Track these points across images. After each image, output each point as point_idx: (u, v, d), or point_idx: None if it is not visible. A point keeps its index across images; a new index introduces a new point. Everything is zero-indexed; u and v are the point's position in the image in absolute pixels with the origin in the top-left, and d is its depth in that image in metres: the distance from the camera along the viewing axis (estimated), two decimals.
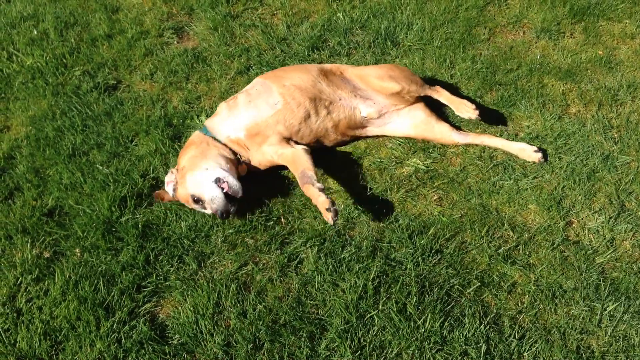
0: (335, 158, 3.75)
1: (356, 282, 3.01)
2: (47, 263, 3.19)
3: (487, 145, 3.74)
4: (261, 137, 3.46)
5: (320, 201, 3.05)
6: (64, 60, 4.59)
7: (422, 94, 3.84)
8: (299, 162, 3.34)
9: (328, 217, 2.99)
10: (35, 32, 4.87)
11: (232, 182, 3.25)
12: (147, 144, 3.86)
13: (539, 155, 3.60)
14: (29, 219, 3.40)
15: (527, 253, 3.16)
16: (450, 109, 3.85)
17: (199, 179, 3.26)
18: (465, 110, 3.70)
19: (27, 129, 4.03)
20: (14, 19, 5.10)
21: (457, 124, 3.89)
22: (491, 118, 3.92)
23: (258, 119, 3.46)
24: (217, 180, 3.24)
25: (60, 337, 2.87)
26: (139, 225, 3.32)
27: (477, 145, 3.73)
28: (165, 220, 3.40)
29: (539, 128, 3.84)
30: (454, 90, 4.07)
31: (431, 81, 4.08)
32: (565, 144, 3.71)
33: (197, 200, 3.28)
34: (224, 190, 3.22)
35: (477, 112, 3.66)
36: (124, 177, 3.62)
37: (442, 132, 3.75)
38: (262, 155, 3.50)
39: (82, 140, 3.91)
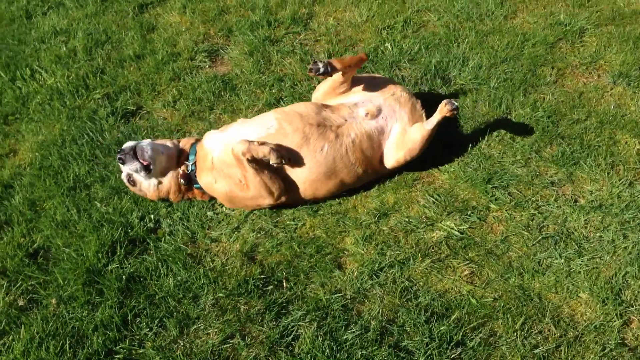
0: (356, 211, 3.34)
1: None
2: (18, 313, 2.94)
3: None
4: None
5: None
6: (87, 81, 4.40)
7: None
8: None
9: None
10: (64, 49, 4.70)
11: (146, 144, 3.31)
12: None
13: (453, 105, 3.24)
14: (11, 259, 3.19)
15: (569, 357, 2.63)
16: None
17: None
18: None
19: (33, 155, 3.84)
20: (45, 33, 4.98)
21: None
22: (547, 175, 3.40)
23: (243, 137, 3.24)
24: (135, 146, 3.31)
25: None
26: (123, 279, 3.03)
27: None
28: (155, 272, 3.08)
29: (604, 195, 3.30)
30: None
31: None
32: (634, 218, 3.14)
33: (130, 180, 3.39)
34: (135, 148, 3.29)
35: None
36: (120, 219, 3.33)
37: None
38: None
39: (87, 172, 3.68)
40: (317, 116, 3.28)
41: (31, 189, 3.61)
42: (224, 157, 3.24)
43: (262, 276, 3.03)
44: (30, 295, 3.04)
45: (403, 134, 3.36)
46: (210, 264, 3.14)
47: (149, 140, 3.42)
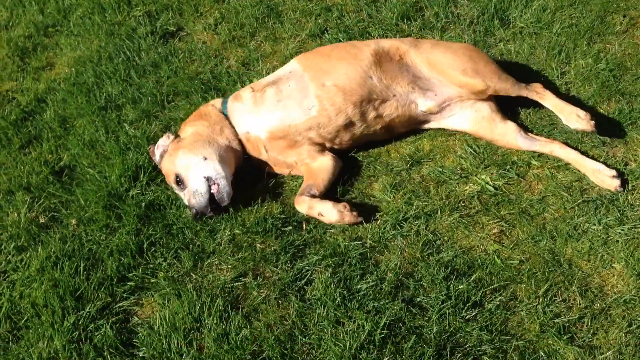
0: (389, 156, 3.18)
1: (363, 326, 2.49)
2: (38, 230, 2.97)
3: (556, 156, 3.07)
4: (287, 142, 3.00)
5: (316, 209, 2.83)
6: None
7: (514, 95, 3.15)
8: (315, 176, 2.85)
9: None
10: None
11: (224, 187, 2.90)
12: (185, 108, 3.49)
13: (617, 182, 2.88)
14: (37, 175, 3.20)
15: (592, 330, 2.47)
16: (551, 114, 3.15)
17: (191, 163, 2.91)
18: (576, 119, 2.99)
19: (69, 70, 3.80)
20: None
21: (528, 125, 3.17)
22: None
23: (286, 122, 3.02)
24: (209, 179, 2.83)
25: (21, 323, 2.64)
26: (143, 206, 2.99)
27: (545, 154, 3.09)
28: (175, 203, 3.04)
29: None
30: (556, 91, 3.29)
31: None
32: None
33: (179, 182, 2.95)
34: (211, 191, 2.86)
35: (592, 122, 2.98)
36: (147, 143, 3.28)
37: (505, 134, 3.13)
38: (284, 158, 3.02)
39: (120, 92, 3.63)
40: (361, 89, 3.04)
41: (64, 105, 3.59)
42: (272, 144, 3.09)
43: (282, 216, 2.95)
44: (52, 213, 3.06)
45: None
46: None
47: (213, 179, 2.93)
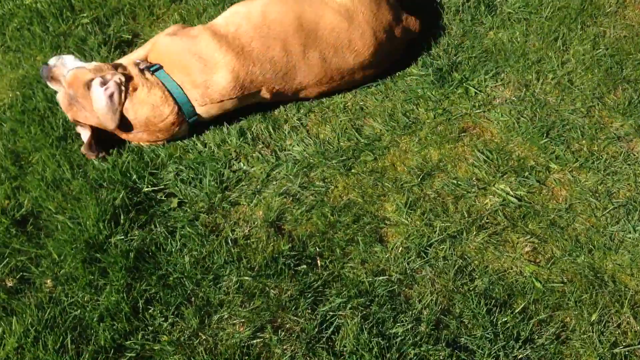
0: (395, 170, 2.88)
1: None
2: (7, 298, 2.49)
3: None
4: None
5: None
6: (72, 2, 3.74)
7: None
8: None
9: None
10: None
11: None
12: None
13: None
14: None
15: None
16: None
17: None
18: None
19: (14, 95, 3.26)
20: None
21: None
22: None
23: None
24: None
25: None
26: (131, 256, 2.56)
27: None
28: (167, 247, 2.62)
29: None
30: None
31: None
32: None
33: None
34: None
35: None
36: (122, 178, 2.83)
37: None
38: None
39: None
40: None
41: (14, 137, 3.07)
42: None
43: (293, 253, 2.59)
44: (21, 273, 2.58)
45: None
46: (231, 234, 2.68)
47: None
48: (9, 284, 2.54)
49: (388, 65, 3.28)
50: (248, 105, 3.10)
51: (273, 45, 2.94)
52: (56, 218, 2.72)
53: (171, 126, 2.92)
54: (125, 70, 2.91)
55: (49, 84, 3.01)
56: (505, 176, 2.83)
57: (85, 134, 2.92)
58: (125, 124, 2.89)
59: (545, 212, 2.69)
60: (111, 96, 2.79)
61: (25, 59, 3.45)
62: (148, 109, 2.87)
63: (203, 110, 2.97)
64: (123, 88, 2.82)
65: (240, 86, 2.92)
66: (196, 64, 2.90)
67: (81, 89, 2.83)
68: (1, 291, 2.51)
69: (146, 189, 2.83)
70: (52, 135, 3.03)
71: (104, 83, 2.80)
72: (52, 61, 2.99)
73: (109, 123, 2.83)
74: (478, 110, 3.10)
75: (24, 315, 2.41)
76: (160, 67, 2.95)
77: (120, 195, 2.76)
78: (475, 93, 3.18)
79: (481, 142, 2.97)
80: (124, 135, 2.95)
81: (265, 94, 3.02)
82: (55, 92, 3.02)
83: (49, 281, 2.54)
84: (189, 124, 2.98)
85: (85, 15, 3.63)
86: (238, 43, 2.93)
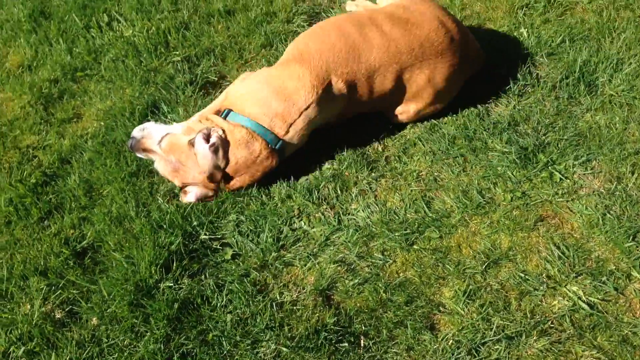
0: (460, 252, 2.73)
1: None
2: (52, 329, 2.55)
3: None
4: None
5: None
6: (168, 38, 3.88)
7: None
8: None
9: None
10: None
11: None
12: None
13: None
14: (56, 258, 2.78)
15: None
16: None
17: None
18: None
19: (98, 125, 3.38)
20: None
21: None
22: None
23: None
24: None
25: None
26: (175, 306, 2.55)
27: None
28: (212, 301, 2.60)
29: None
30: None
31: None
32: None
33: None
34: None
35: None
36: (182, 223, 2.85)
37: None
38: None
39: None
40: None
41: (90, 167, 3.18)
42: None
43: (337, 327, 2.50)
44: (71, 306, 2.64)
45: None
46: (278, 297, 2.63)
47: None
48: (58, 315, 2.60)
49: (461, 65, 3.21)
50: (337, 121, 3.20)
51: (328, 34, 3.06)
52: (113, 255, 2.77)
53: (265, 160, 2.94)
54: (212, 122, 2.95)
55: (139, 155, 3.07)
56: (579, 277, 2.61)
57: (195, 191, 2.98)
58: (226, 173, 2.96)
59: (619, 326, 2.45)
60: (216, 150, 2.84)
61: (115, 90, 3.58)
62: (243, 149, 2.90)
63: (290, 134, 2.97)
64: (224, 140, 2.89)
65: (310, 86, 2.93)
66: (269, 91, 2.96)
67: (183, 152, 2.90)
68: (49, 322, 2.57)
69: (203, 237, 2.84)
70: (125, 170, 3.11)
71: (207, 139, 2.85)
72: (137, 133, 3.04)
73: (218, 176, 2.89)
74: (561, 199, 2.89)
75: (64, 351, 2.46)
76: (230, 111, 2.98)
77: (177, 241, 2.78)
78: (561, 179, 2.97)
79: (559, 235, 2.77)
80: (227, 185, 3.00)
81: (338, 85, 2.99)
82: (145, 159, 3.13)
83: (94, 319, 2.58)
84: (278, 152, 2.98)
85: (177, 53, 3.75)
86: (296, 52, 3.06)
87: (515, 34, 3.68)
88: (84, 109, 3.53)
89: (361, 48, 3.01)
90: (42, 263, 2.76)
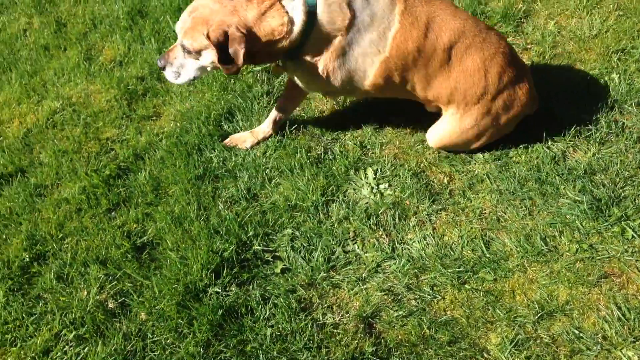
0: (513, 298, 2.64)
1: None
2: (103, 318, 2.67)
3: None
4: None
5: None
6: None
7: None
8: None
9: None
10: None
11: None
12: (288, 190, 3.11)
13: None
14: (117, 249, 2.92)
15: None
16: None
17: None
18: None
19: (174, 125, 3.52)
20: None
21: None
22: None
23: None
24: None
25: None
26: (220, 312, 2.62)
27: None
28: (256, 313, 2.65)
29: None
30: None
31: None
32: None
33: None
34: None
35: None
36: (238, 231, 2.92)
37: None
38: None
39: (221, 162, 3.29)
40: None
41: (161, 166, 3.31)
42: None
43: (375, 357, 2.49)
44: (123, 298, 2.76)
45: None
46: (321, 317, 2.65)
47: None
48: (110, 305, 2.73)
49: None
50: None
51: None
52: (169, 254, 2.87)
53: None
54: None
55: None
56: (637, 343, 2.48)
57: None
58: None
59: None
60: None
61: (195, 93, 3.72)
62: None
63: None
64: None
65: None
66: None
67: None
68: (101, 311, 2.69)
69: (257, 247, 2.90)
70: (192, 172, 3.22)
71: None
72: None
73: None
74: (630, 257, 2.76)
75: (111, 341, 2.58)
76: None
77: (231, 248, 2.85)
78: (633, 236, 2.84)
79: (621, 296, 2.64)
80: None
81: None
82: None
83: (143, 314, 2.68)
84: None
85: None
86: None
87: (605, 78, 3.54)
88: (163, 108, 3.68)
89: None
90: (103, 253, 2.91)
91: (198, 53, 2.80)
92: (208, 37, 2.68)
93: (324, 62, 2.85)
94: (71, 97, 3.81)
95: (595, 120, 3.32)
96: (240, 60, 2.69)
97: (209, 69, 2.91)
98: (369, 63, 2.87)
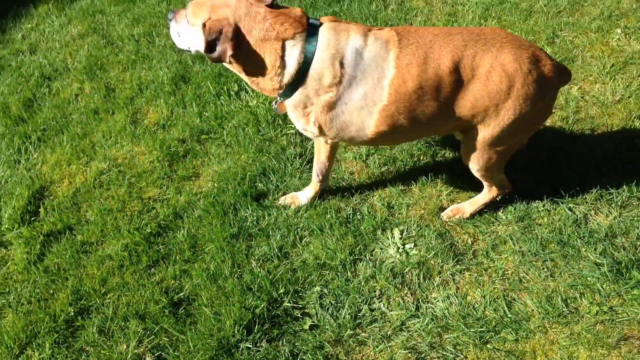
0: (534, 359, 2.74)
1: None
2: None
3: None
4: None
5: None
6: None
7: None
8: None
9: None
10: None
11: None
12: (318, 249, 3.28)
13: None
14: (155, 304, 3.11)
15: None
16: None
17: None
18: None
19: (212, 186, 3.75)
20: None
21: None
22: None
23: None
24: None
25: None
26: None
27: None
28: None
29: None
30: None
31: None
32: None
33: None
34: None
35: None
36: (269, 288, 3.09)
37: None
38: None
39: (255, 220, 3.48)
40: None
41: (198, 224, 3.52)
42: None
43: None
44: (160, 352, 2.93)
45: None
46: None
47: None
48: (148, 359, 2.90)
49: None
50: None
51: None
52: (204, 310, 3.05)
53: None
54: None
55: None
56: None
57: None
58: None
59: None
60: None
61: (232, 154, 3.95)
62: None
63: None
64: None
65: None
66: None
67: None
68: None
69: (287, 304, 3.05)
70: (228, 231, 3.42)
71: None
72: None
73: None
74: None
75: None
76: None
77: (262, 305, 3.01)
78: None
79: None
80: None
81: None
82: None
83: None
84: None
85: (292, 126, 4.06)
86: None
87: (627, 142, 3.65)
88: (202, 169, 3.92)
89: None
90: (142, 308, 3.10)
91: (192, 26, 2.82)
92: (204, 25, 2.72)
93: (315, 115, 2.89)
94: (117, 158, 4.09)
95: (617, 184, 3.42)
96: (226, 59, 2.74)
97: (193, 50, 2.95)
98: (366, 114, 2.84)
